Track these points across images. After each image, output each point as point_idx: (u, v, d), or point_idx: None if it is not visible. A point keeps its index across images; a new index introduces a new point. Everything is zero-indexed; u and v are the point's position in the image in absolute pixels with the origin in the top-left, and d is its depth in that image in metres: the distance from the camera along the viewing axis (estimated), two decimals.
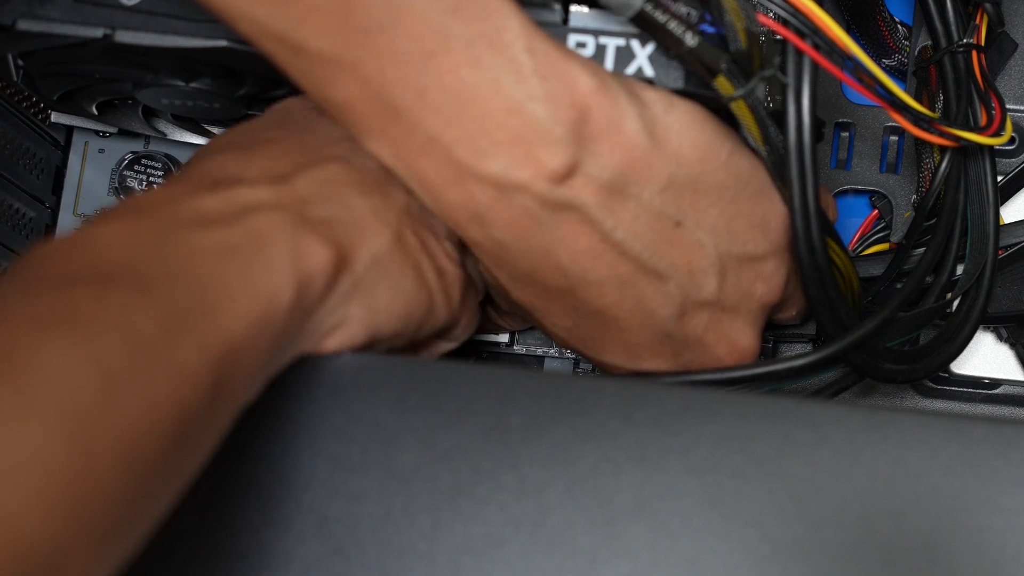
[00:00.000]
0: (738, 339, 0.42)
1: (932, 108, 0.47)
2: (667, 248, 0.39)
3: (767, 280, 0.41)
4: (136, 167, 0.55)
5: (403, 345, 0.39)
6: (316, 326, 0.35)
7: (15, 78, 0.45)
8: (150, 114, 0.50)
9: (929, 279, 0.48)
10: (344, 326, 0.36)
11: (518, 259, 0.39)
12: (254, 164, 0.36)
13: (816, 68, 0.38)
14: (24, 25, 0.40)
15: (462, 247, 0.40)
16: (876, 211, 0.54)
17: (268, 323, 0.32)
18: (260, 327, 0.32)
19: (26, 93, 0.54)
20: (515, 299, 0.41)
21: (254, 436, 0.35)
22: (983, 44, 0.47)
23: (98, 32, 0.41)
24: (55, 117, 0.53)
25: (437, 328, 0.40)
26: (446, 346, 0.43)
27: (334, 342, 0.36)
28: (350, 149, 0.38)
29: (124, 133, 0.55)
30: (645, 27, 0.37)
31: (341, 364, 0.36)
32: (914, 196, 0.52)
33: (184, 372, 0.29)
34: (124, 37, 0.41)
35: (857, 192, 0.54)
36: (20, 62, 0.44)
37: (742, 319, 0.42)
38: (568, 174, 0.36)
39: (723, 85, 0.37)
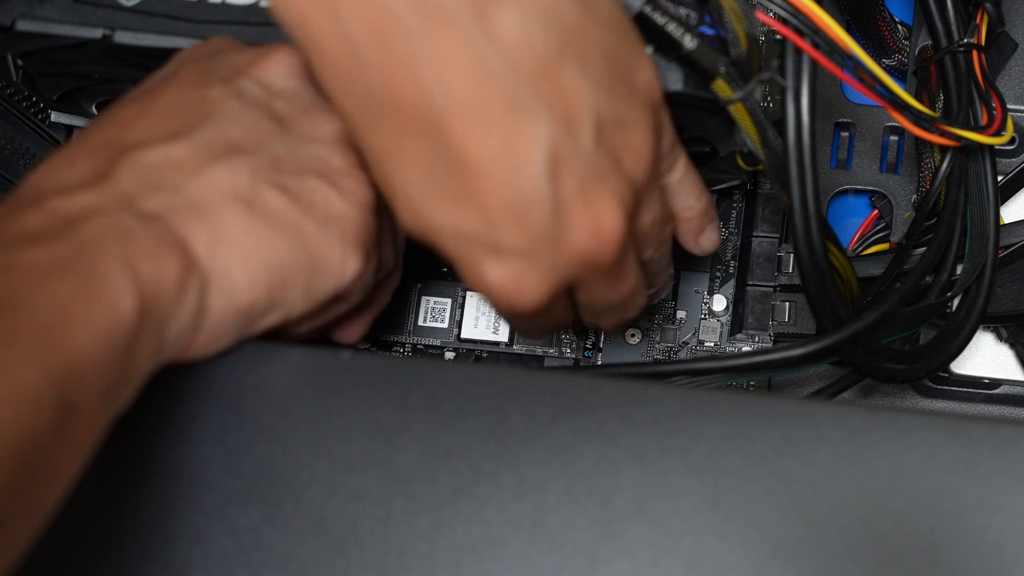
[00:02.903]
0: (602, 216, 0.37)
1: (932, 108, 0.47)
2: (545, 83, 0.35)
3: (635, 153, 0.38)
4: None
5: (304, 312, 0.37)
6: (177, 328, 0.33)
7: (15, 78, 0.45)
8: None
9: (929, 279, 0.48)
10: (208, 319, 0.34)
11: (373, 77, 0.34)
12: (77, 164, 0.34)
13: (815, 68, 0.38)
14: (23, 25, 0.41)
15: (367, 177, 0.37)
16: (876, 211, 0.54)
17: (113, 336, 0.31)
18: (105, 341, 0.30)
19: (26, 93, 0.54)
20: (365, 148, 0.36)
21: (255, 436, 0.35)
22: (983, 44, 0.47)
23: (97, 32, 0.41)
24: (55, 117, 0.53)
25: (345, 280, 0.37)
26: (340, 308, 0.40)
27: (204, 338, 0.34)
28: (204, 115, 0.36)
29: None
30: (644, 28, 0.37)
31: (341, 364, 0.36)
32: (914, 196, 0.52)
33: (26, 396, 0.28)
34: (123, 37, 0.41)
35: (857, 192, 0.54)
36: (20, 62, 0.45)
37: (609, 192, 0.37)
38: None
39: (722, 87, 0.37)
